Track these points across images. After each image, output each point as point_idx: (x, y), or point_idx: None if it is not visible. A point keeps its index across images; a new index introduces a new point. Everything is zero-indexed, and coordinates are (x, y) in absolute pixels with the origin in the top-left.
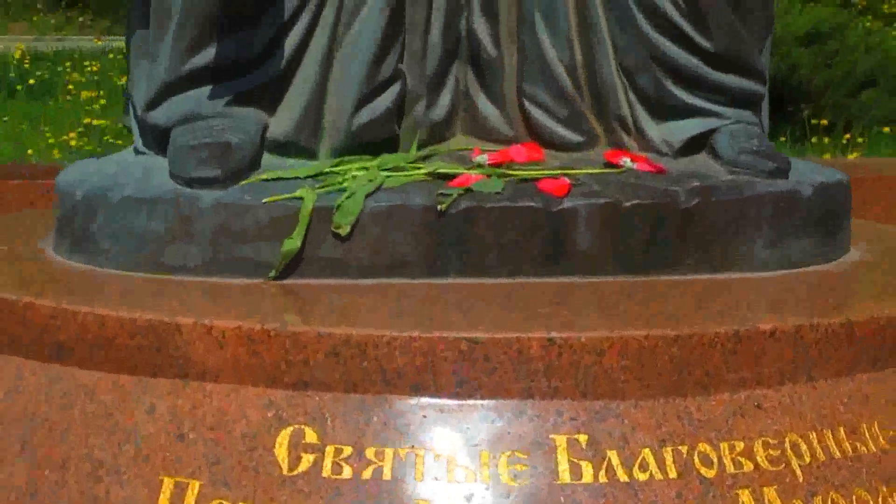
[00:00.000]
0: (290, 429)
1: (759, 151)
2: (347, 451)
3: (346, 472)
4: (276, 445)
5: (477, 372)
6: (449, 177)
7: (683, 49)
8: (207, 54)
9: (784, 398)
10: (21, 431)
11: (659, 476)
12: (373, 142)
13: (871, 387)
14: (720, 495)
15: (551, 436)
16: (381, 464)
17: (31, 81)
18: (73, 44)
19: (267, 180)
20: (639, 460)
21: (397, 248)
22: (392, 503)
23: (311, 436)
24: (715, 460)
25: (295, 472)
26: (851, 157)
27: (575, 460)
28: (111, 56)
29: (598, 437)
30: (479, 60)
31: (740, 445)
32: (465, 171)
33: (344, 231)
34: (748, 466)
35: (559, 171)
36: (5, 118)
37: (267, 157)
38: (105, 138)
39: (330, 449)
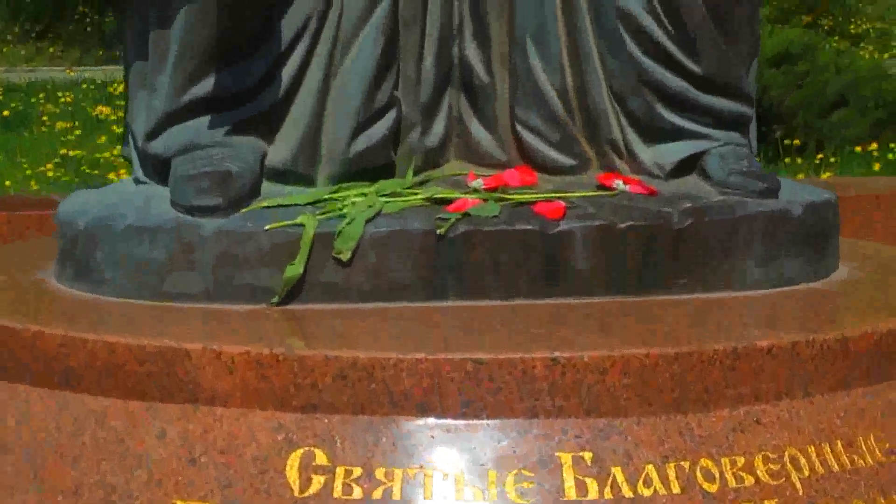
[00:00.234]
0: (301, 451)
1: (748, 172)
2: (357, 471)
3: (357, 492)
4: (287, 467)
5: (482, 392)
6: (446, 202)
7: (673, 73)
8: (206, 85)
9: (782, 413)
10: (32, 459)
11: (663, 491)
12: (370, 168)
13: (866, 400)
14: None
15: (556, 453)
16: (390, 484)
17: (6, 113)
18: (44, 74)
19: (267, 207)
20: (643, 476)
21: (397, 272)
22: None
23: (321, 457)
24: (717, 475)
25: (306, 494)
26: (824, 176)
27: (580, 477)
28: (84, 86)
29: (602, 455)
30: (471, 86)
31: (741, 460)
32: (462, 196)
33: (345, 256)
34: (749, 481)
35: (554, 195)
36: None
37: (266, 185)
38: (82, 168)
39: (340, 470)
